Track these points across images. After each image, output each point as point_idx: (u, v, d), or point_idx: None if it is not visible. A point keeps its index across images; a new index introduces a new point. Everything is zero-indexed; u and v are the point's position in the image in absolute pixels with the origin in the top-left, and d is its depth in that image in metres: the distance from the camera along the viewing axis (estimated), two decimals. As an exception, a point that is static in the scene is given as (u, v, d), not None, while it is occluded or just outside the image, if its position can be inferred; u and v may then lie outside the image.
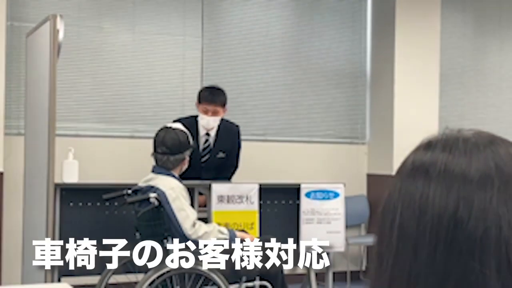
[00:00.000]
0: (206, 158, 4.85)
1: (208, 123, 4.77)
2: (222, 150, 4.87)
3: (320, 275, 5.01)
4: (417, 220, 0.70)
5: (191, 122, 4.74)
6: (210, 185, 4.48)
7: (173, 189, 3.92)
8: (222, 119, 4.87)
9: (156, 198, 3.86)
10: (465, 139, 0.73)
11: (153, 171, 4.07)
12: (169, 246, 3.85)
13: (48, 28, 4.06)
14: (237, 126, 4.99)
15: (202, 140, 4.82)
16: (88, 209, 4.42)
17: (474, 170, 0.70)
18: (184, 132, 4.11)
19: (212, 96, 4.81)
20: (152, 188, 3.94)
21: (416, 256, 0.69)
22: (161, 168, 4.04)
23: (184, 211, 3.91)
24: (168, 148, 4.01)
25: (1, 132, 5.34)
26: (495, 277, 0.66)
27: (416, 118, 6.32)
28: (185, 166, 4.15)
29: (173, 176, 4.03)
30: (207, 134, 4.84)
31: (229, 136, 4.91)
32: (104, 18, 5.78)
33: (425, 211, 0.69)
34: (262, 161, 6.10)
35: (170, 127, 4.14)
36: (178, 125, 4.18)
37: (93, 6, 5.75)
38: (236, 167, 5.01)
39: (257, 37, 6.30)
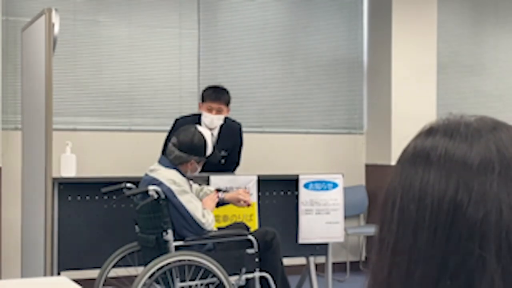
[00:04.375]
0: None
1: (212, 122, 4.74)
2: (224, 149, 4.85)
3: (320, 266, 5.02)
4: (417, 204, 0.70)
5: (193, 121, 4.70)
6: (208, 178, 4.48)
7: (176, 183, 3.91)
8: (225, 117, 4.84)
9: (156, 191, 3.86)
10: (467, 124, 0.73)
11: (159, 161, 4.05)
12: (168, 238, 3.86)
13: (43, 22, 4.04)
14: (238, 124, 4.97)
15: None
16: (87, 203, 4.42)
17: (475, 155, 0.69)
18: (202, 136, 3.99)
19: (216, 94, 4.77)
20: (155, 181, 3.92)
21: (416, 240, 0.69)
22: (166, 160, 4.02)
23: (192, 203, 3.91)
24: (178, 142, 3.98)
25: (-2, 127, 5.33)
26: (495, 261, 0.66)
27: (413, 107, 6.31)
28: (191, 171, 4.03)
29: (177, 170, 3.99)
30: (211, 134, 4.82)
31: (231, 135, 4.89)
32: (99, 11, 5.76)
33: (424, 196, 0.69)
34: (260, 153, 6.09)
35: (196, 128, 4.05)
36: (203, 129, 4.08)
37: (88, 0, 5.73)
38: (237, 164, 5.00)
39: (254, 28, 6.29)
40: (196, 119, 4.77)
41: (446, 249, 0.67)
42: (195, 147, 3.97)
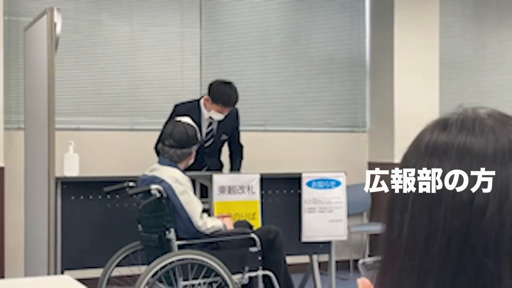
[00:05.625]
0: (210, 143, 4.87)
1: (216, 117, 4.80)
2: (225, 133, 4.91)
3: (323, 264, 5.01)
4: (430, 212, 0.67)
5: (194, 106, 4.80)
6: (211, 176, 4.48)
7: (178, 181, 3.92)
8: None
9: (159, 190, 3.86)
10: (482, 122, 0.70)
11: (159, 162, 4.07)
12: (170, 237, 3.86)
13: (46, 21, 4.04)
14: (236, 108, 5.02)
15: (205, 123, 4.85)
16: (90, 202, 4.42)
17: (491, 160, 0.67)
18: (193, 126, 4.11)
19: (233, 101, 4.72)
20: (156, 179, 3.93)
21: (427, 250, 0.66)
22: (167, 159, 4.04)
23: (192, 204, 3.92)
24: (176, 142, 4.01)
25: (1, 127, 5.33)
26: (510, 277, 0.64)
27: (416, 105, 6.30)
28: (191, 160, 4.14)
29: (178, 168, 4.02)
30: (210, 117, 4.87)
31: (230, 118, 4.94)
32: (101, 11, 5.76)
33: (438, 203, 0.66)
34: (262, 152, 6.09)
35: (179, 121, 4.13)
36: (187, 119, 4.17)
37: (90, -1, 5.73)
38: (242, 146, 5.05)
39: (256, 27, 6.28)
40: (196, 105, 4.82)
41: (459, 261, 0.65)
42: (191, 137, 4.06)
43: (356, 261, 6.35)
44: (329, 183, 4.70)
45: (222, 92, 4.71)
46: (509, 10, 7.02)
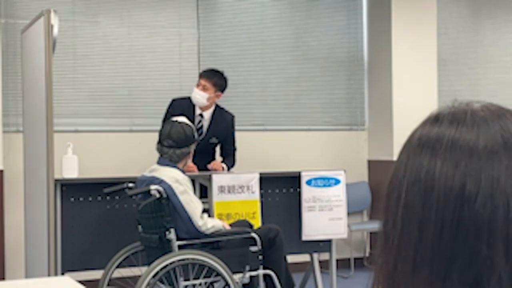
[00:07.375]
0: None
1: (195, 96, 4.85)
2: (215, 136, 4.92)
3: (324, 263, 5.01)
4: (423, 200, 0.68)
5: (187, 102, 4.89)
6: (210, 176, 4.48)
7: (178, 181, 3.92)
8: (217, 106, 4.90)
9: (158, 191, 3.86)
10: (474, 112, 0.71)
11: (158, 163, 4.08)
12: (171, 237, 3.86)
13: (42, 24, 4.03)
14: (232, 115, 5.01)
15: (196, 120, 4.87)
16: (89, 203, 4.41)
17: (482, 148, 0.68)
18: (190, 125, 4.13)
19: (206, 72, 4.96)
20: (156, 179, 3.93)
21: (421, 237, 0.67)
22: (166, 160, 4.04)
23: (192, 203, 3.92)
24: (174, 141, 4.02)
25: (0, 130, 5.33)
26: (503, 261, 0.64)
27: (415, 102, 6.30)
28: (189, 160, 4.15)
29: (177, 168, 4.02)
30: (201, 115, 4.88)
31: (223, 123, 4.95)
32: (98, 12, 5.76)
33: (431, 190, 0.67)
34: (262, 151, 6.09)
35: (176, 121, 4.14)
36: (184, 119, 4.18)
37: (87, 1, 5.72)
38: (234, 149, 5.04)
39: (254, 26, 6.28)
40: (189, 101, 4.93)
41: (453, 246, 0.65)
42: (189, 136, 4.07)
43: (356, 259, 6.35)
44: (328, 182, 4.70)
45: (226, 79, 4.95)
46: (505, 5, 7.02)
